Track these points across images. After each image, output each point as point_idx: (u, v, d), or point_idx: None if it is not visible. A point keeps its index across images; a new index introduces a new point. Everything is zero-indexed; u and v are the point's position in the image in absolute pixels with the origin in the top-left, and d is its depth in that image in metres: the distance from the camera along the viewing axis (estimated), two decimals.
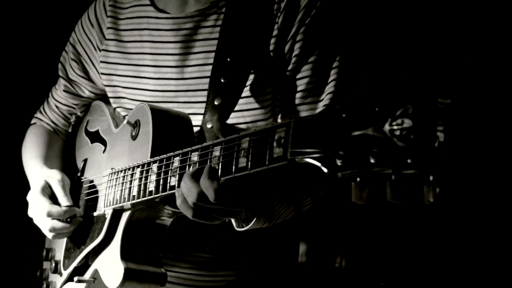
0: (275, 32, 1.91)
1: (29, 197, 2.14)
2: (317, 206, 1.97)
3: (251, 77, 1.93)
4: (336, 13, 1.96)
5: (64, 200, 2.09)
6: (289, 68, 1.92)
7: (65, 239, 2.17)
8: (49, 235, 2.09)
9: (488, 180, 2.27)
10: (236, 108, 1.91)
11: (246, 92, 1.93)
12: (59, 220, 2.06)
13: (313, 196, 1.93)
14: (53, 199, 2.11)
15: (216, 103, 1.88)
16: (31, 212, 2.13)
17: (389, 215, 2.59)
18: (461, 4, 2.45)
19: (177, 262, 2.06)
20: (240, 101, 1.92)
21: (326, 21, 1.93)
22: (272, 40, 1.91)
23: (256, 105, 1.94)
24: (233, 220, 1.78)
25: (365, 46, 1.98)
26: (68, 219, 2.07)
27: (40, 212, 2.07)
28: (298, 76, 1.92)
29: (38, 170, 2.22)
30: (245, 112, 1.94)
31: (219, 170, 1.54)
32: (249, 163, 1.45)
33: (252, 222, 1.75)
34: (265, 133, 1.42)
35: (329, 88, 1.90)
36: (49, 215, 2.05)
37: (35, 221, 2.13)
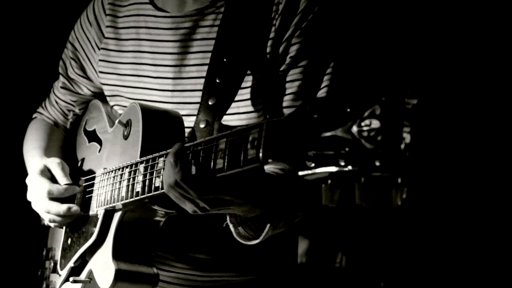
0: (272, 35, 1.90)
1: (28, 180, 2.14)
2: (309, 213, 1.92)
3: (248, 78, 1.91)
4: (333, 19, 1.93)
5: (64, 180, 2.09)
6: (281, 69, 1.90)
7: (62, 239, 2.17)
8: (46, 217, 2.09)
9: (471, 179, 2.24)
10: (233, 111, 1.90)
11: (242, 94, 1.91)
12: (57, 201, 2.06)
13: (304, 210, 1.88)
14: (52, 181, 2.11)
15: (210, 103, 1.87)
16: (30, 195, 2.13)
17: (389, 215, 2.56)
18: (428, 4, 2.43)
19: (175, 262, 2.05)
20: (238, 103, 1.90)
21: (323, 26, 1.91)
22: (269, 43, 1.90)
23: (252, 108, 1.92)
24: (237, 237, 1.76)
25: (360, 53, 1.95)
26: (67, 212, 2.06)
27: (40, 192, 2.08)
28: (289, 78, 1.90)
29: (37, 159, 2.23)
30: (242, 115, 1.92)
31: (196, 172, 1.52)
32: (225, 164, 1.43)
33: (264, 233, 1.70)
34: (240, 134, 1.40)
35: (321, 94, 1.87)
36: (50, 193, 2.06)
37: (34, 205, 2.13)
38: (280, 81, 1.90)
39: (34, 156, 2.27)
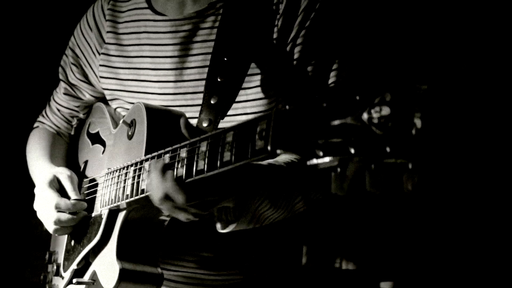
0: (275, 35, 1.90)
1: (36, 190, 2.14)
2: (313, 208, 1.94)
3: (251, 77, 1.91)
4: (335, 16, 1.94)
5: (73, 194, 2.09)
6: (295, 57, 1.90)
7: (65, 241, 2.17)
8: (52, 228, 2.08)
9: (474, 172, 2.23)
10: (240, 111, 1.91)
11: (248, 93, 1.92)
12: (65, 213, 2.06)
13: (305, 199, 1.90)
14: (60, 192, 2.10)
15: (212, 102, 1.87)
16: (37, 205, 2.13)
17: (389, 215, 2.56)
18: None
19: (181, 261, 2.04)
20: (245, 104, 1.91)
21: (326, 24, 1.91)
22: (271, 39, 1.90)
23: (257, 106, 1.93)
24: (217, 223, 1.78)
25: (363, 48, 1.95)
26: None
27: (47, 204, 2.07)
28: (310, 68, 1.89)
29: (46, 167, 2.23)
30: (249, 116, 1.92)
31: (205, 165, 1.53)
32: (233, 156, 1.43)
33: (234, 225, 1.76)
34: (248, 126, 1.41)
35: (331, 78, 1.88)
36: (57, 207, 2.05)
37: (39, 214, 2.12)
38: (297, 73, 1.90)
39: (41, 165, 2.27)
